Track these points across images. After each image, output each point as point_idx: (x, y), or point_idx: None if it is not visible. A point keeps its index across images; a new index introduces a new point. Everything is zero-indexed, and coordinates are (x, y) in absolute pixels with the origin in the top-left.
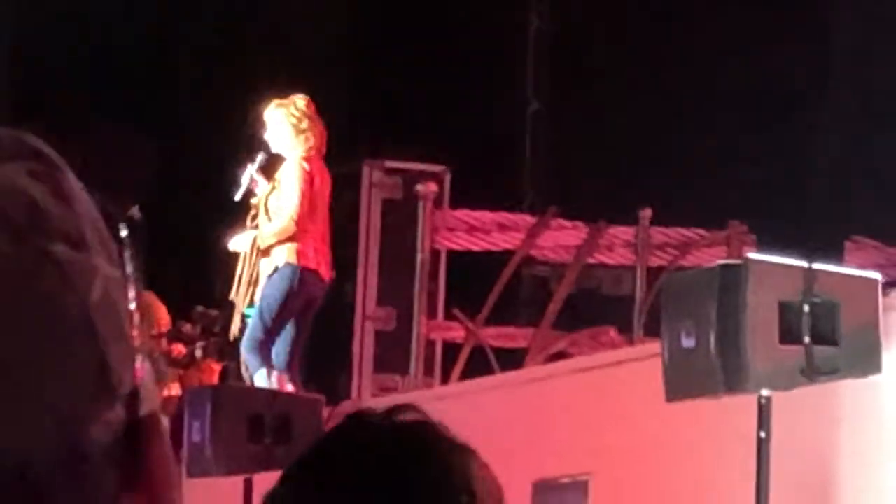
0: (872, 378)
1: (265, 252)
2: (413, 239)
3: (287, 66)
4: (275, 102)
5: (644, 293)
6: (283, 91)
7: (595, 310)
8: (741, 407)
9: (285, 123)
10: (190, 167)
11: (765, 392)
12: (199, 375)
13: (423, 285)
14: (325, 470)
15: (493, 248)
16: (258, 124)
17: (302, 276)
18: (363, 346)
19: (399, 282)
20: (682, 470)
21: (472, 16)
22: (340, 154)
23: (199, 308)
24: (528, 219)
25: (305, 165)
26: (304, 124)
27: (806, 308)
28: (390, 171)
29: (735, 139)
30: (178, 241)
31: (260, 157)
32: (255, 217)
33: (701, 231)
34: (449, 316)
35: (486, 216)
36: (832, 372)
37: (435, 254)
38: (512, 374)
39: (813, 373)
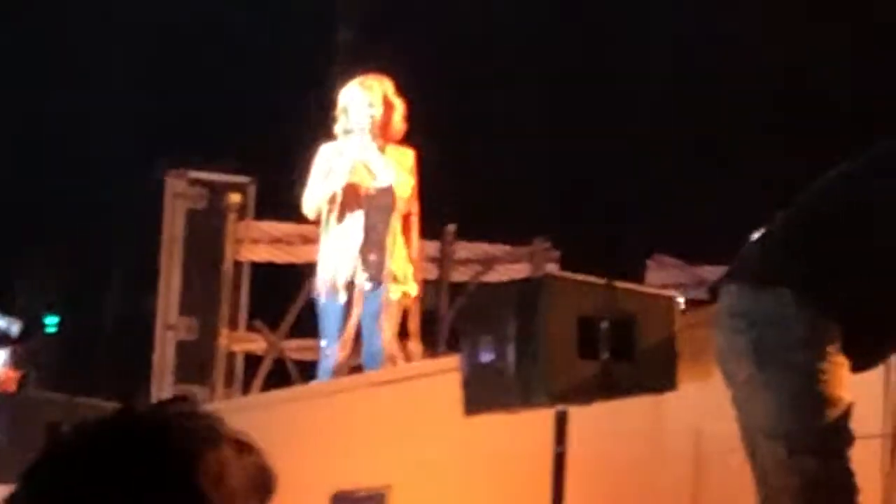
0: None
1: None
2: (217, 250)
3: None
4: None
5: (447, 308)
6: None
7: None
8: (539, 421)
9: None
10: None
11: (562, 407)
12: None
13: (226, 296)
14: (55, 466)
15: (296, 261)
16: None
17: None
18: (164, 356)
19: (202, 292)
20: (479, 484)
21: (279, 32)
22: (144, 164)
23: None
24: None
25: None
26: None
27: (604, 324)
28: (194, 182)
29: (542, 155)
30: None
31: None
32: None
33: (505, 247)
34: (251, 327)
35: (290, 228)
36: (629, 387)
37: (238, 265)
38: (312, 386)
39: (610, 388)
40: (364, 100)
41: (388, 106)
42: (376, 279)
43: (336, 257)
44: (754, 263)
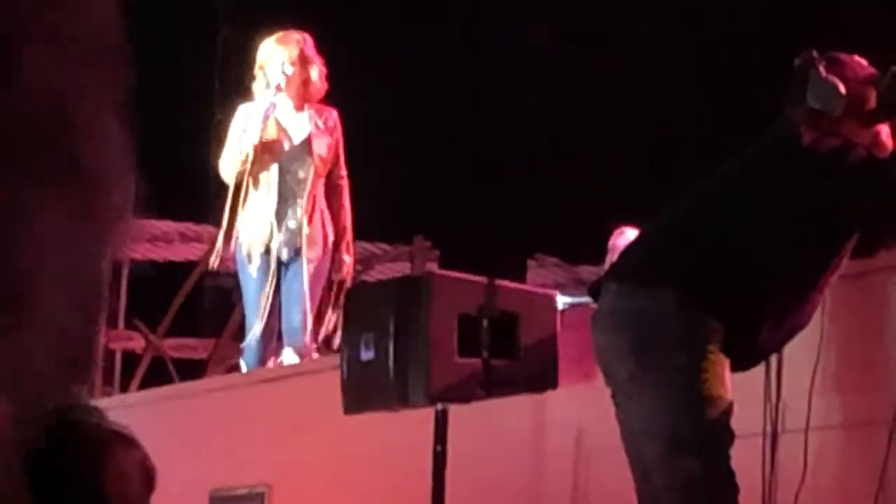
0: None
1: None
2: None
3: None
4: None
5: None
6: None
7: None
8: (419, 419)
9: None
10: None
11: (442, 405)
12: None
13: (105, 294)
14: None
15: (176, 259)
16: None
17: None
18: None
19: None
20: (360, 483)
21: (164, 28)
22: None
23: None
24: (212, 230)
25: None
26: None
27: (485, 322)
28: None
29: (425, 154)
30: None
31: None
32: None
33: (385, 246)
34: (129, 326)
35: (170, 226)
36: (510, 386)
37: (117, 263)
38: (190, 384)
39: (491, 386)
40: (280, 56)
41: (304, 63)
42: (293, 246)
43: (252, 223)
44: (634, 263)
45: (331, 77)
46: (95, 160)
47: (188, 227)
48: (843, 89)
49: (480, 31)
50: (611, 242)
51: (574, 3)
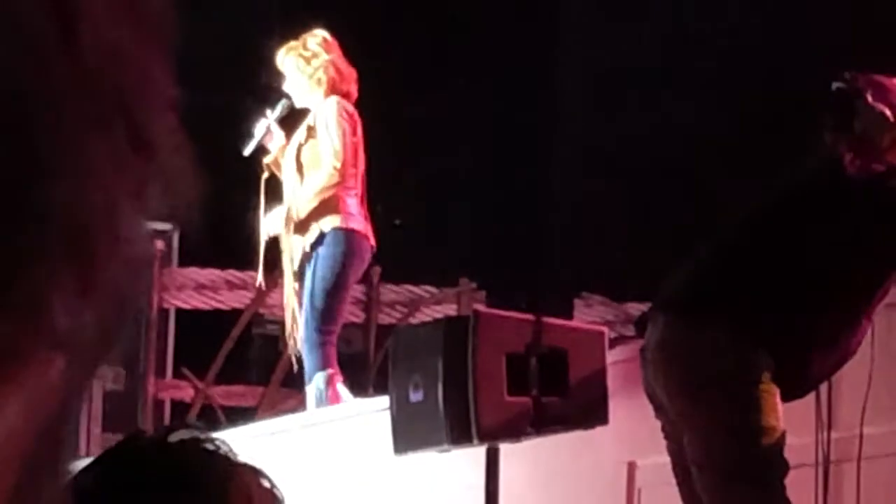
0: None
1: (303, 222)
2: (141, 297)
3: None
4: (285, 47)
5: (374, 350)
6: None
7: None
8: (470, 457)
9: (299, 69)
10: None
11: (492, 444)
12: None
13: (152, 344)
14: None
15: (222, 307)
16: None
17: (356, 241)
18: (91, 406)
19: (128, 340)
20: None
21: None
22: None
23: None
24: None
25: (348, 107)
26: (319, 65)
27: (533, 360)
28: None
29: (466, 196)
30: None
31: (281, 104)
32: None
33: (431, 288)
34: (178, 375)
35: (215, 274)
36: (560, 423)
37: (163, 312)
38: (241, 429)
39: (541, 424)
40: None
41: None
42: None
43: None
44: (683, 294)
45: (375, 122)
46: (147, 122)
47: (234, 274)
48: (891, 117)
49: (520, 73)
50: None
51: (607, 41)
